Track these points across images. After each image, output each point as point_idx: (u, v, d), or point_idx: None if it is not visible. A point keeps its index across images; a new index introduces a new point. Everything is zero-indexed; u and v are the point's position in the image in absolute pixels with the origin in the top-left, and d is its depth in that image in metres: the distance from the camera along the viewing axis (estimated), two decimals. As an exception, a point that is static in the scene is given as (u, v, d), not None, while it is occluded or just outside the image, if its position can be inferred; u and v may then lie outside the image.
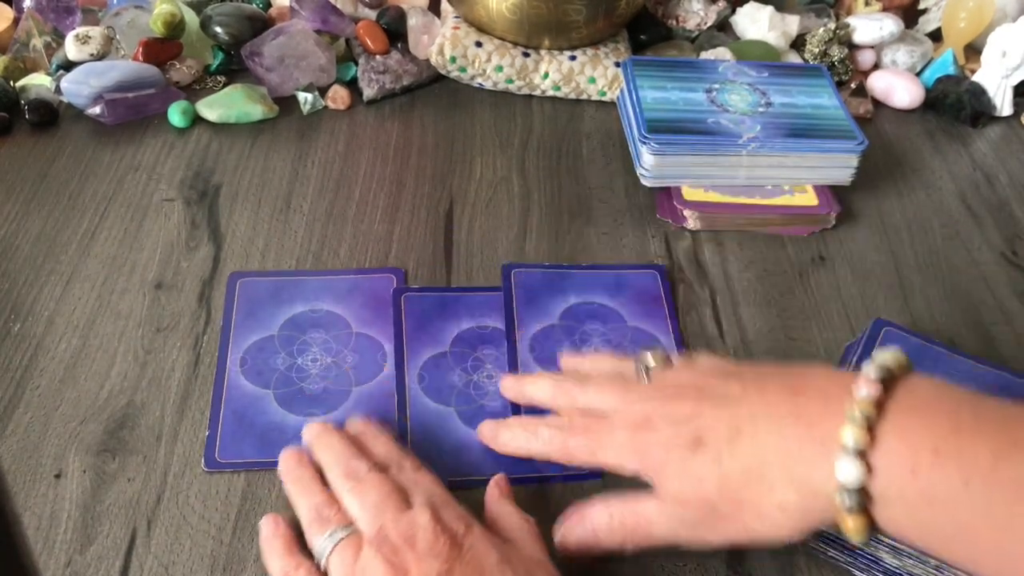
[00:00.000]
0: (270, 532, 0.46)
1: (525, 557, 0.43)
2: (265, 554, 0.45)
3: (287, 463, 0.49)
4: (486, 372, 0.56)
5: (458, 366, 0.56)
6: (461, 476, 0.51)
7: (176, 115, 0.73)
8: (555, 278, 0.62)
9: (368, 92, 0.77)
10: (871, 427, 0.39)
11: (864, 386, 0.40)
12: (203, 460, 0.50)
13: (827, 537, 0.47)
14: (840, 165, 0.68)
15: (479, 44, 0.77)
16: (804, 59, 0.83)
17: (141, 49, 0.76)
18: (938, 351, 0.55)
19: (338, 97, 0.77)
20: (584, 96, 0.79)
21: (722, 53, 0.80)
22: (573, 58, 0.78)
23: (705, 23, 0.84)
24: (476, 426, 0.53)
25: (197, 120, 0.74)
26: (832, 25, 0.81)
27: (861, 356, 0.54)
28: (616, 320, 0.59)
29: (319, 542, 0.44)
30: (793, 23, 0.83)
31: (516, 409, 0.54)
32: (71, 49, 0.74)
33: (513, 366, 0.56)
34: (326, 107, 0.77)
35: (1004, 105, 0.80)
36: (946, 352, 0.55)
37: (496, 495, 0.48)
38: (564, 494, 0.50)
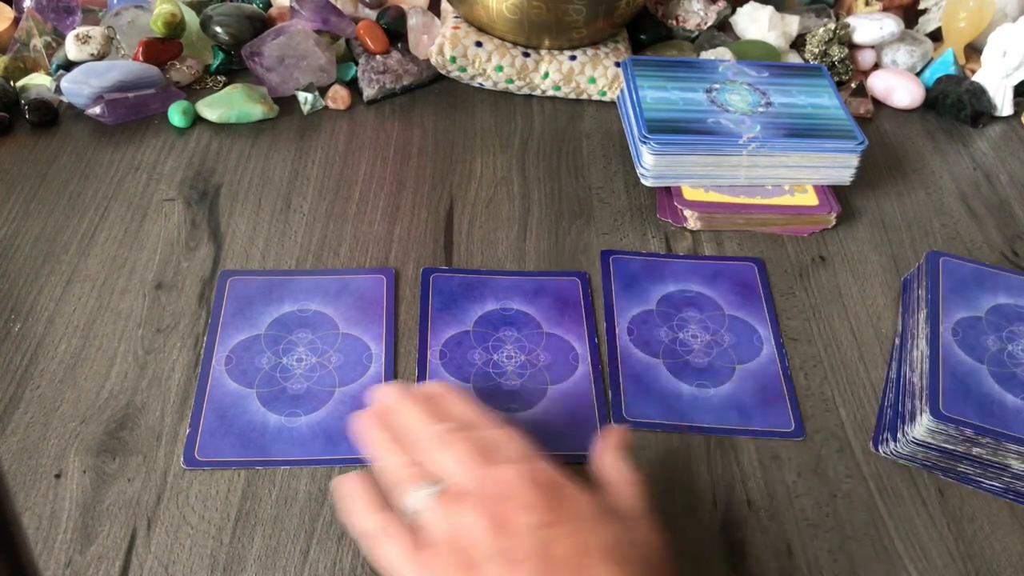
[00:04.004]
0: (350, 491, 0.44)
1: (626, 507, 0.43)
2: (351, 514, 0.43)
3: (364, 425, 0.47)
4: (506, 352, 0.57)
5: (479, 345, 0.57)
6: None
7: (176, 115, 0.73)
8: (654, 266, 0.63)
9: (368, 92, 0.77)
10: None
11: None
12: (183, 458, 0.51)
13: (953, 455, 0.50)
14: (840, 165, 0.68)
15: (479, 44, 0.77)
16: (804, 59, 0.83)
17: (141, 49, 0.76)
18: (994, 272, 0.60)
19: (338, 97, 0.77)
20: (584, 96, 0.79)
21: (722, 53, 0.80)
22: (573, 58, 0.78)
23: (705, 23, 0.84)
24: (492, 403, 0.54)
25: (197, 120, 0.74)
26: (832, 25, 0.81)
27: (930, 289, 0.58)
28: (713, 308, 0.61)
29: (411, 498, 0.42)
30: (793, 23, 0.83)
31: None
32: (71, 49, 0.74)
33: (613, 350, 0.58)
34: (326, 107, 0.77)
35: (1004, 105, 0.80)
36: (1001, 272, 0.60)
37: (607, 445, 0.47)
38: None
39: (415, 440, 0.45)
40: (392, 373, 0.56)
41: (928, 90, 0.81)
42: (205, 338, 0.57)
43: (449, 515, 0.41)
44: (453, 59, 0.77)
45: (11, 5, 0.81)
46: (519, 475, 0.41)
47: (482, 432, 0.45)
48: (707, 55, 0.81)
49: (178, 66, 0.77)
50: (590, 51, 0.79)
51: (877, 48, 0.84)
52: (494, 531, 0.39)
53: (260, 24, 0.78)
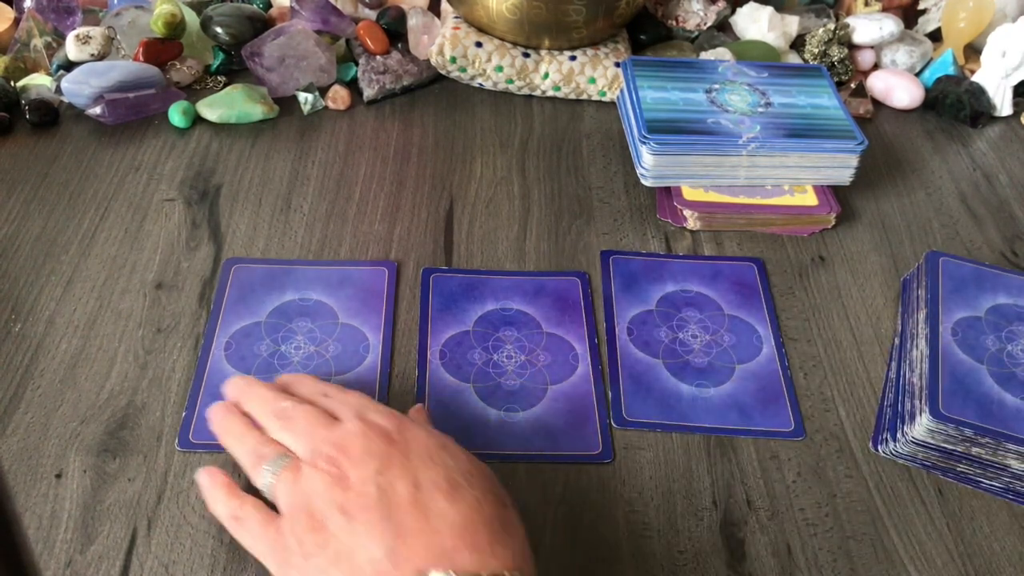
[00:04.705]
0: (208, 483, 0.46)
1: (461, 449, 0.44)
2: (210, 504, 0.45)
3: (216, 415, 0.48)
4: (506, 352, 0.57)
5: (479, 345, 0.57)
6: (475, 450, 0.51)
7: (176, 115, 0.73)
8: (654, 266, 0.63)
9: (368, 92, 0.77)
10: None
11: None
12: (178, 439, 0.51)
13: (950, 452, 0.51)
14: (840, 165, 0.68)
15: (479, 44, 0.77)
16: (804, 59, 0.83)
17: (141, 49, 0.76)
18: (994, 272, 0.60)
19: (338, 97, 0.77)
20: (584, 96, 0.79)
21: (722, 53, 0.80)
22: (573, 58, 0.78)
23: (705, 23, 0.84)
24: (492, 403, 0.54)
25: (197, 120, 0.74)
26: (832, 25, 0.81)
27: (930, 289, 0.58)
28: (713, 308, 0.61)
29: (262, 478, 0.44)
30: (793, 23, 0.83)
31: None
32: (71, 49, 0.74)
33: (612, 350, 0.58)
34: (326, 107, 0.77)
35: (1004, 105, 0.80)
36: (1001, 272, 0.60)
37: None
38: (569, 473, 0.50)
39: (263, 422, 0.47)
40: (388, 363, 0.56)
41: (928, 90, 0.81)
42: (206, 326, 0.57)
43: (292, 483, 0.43)
44: (453, 59, 0.77)
45: (11, 5, 0.81)
46: (353, 432, 0.43)
47: (321, 400, 0.47)
48: (707, 55, 0.81)
49: (178, 66, 0.77)
50: (590, 51, 0.79)
51: (877, 48, 0.84)
52: (333, 488, 0.41)
53: (260, 24, 0.79)
